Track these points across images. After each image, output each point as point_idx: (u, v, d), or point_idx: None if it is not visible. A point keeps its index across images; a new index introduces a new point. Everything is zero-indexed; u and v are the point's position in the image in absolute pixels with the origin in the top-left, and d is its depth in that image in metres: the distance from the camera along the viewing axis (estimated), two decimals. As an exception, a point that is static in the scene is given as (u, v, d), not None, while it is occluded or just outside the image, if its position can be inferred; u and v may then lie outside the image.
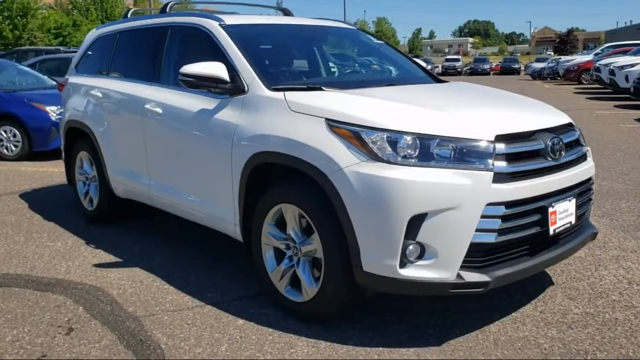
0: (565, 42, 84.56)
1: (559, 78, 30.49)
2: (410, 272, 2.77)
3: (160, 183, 4.27)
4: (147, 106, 4.20)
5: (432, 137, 2.81)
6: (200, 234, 4.59)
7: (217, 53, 3.80)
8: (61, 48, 18.72)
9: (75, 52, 18.62)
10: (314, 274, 3.17)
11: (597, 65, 19.74)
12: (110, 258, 4.38)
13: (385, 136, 2.82)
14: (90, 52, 5.47)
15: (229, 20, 4.01)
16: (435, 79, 4.36)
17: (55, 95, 9.15)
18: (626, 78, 16.31)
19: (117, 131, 4.69)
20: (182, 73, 3.55)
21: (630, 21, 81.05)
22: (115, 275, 4.01)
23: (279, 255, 3.35)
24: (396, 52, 4.59)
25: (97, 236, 4.91)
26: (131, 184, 4.65)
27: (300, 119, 3.12)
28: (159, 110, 4.10)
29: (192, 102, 3.84)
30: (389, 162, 2.77)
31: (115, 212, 5.24)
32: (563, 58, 33.49)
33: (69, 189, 6.58)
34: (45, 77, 10.37)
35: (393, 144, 2.81)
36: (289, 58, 4.27)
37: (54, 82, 10.13)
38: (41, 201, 6.18)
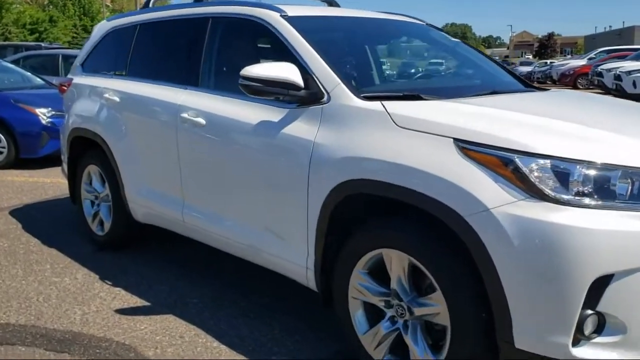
0: (545, 46, 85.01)
1: (549, 82, 30.19)
2: (586, 353, 2.04)
3: (199, 209, 3.48)
4: (185, 115, 3.41)
5: (614, 168, 2.08)
6: (241, 265, 3.79)
7: (281, 51, 3.03)
8: (42, 44, 17.64)
9: (58, 48, 17.62)
10: (427, 341, 2.42)
11: (598, 69, 19.34)
12: (134, 300, 3.57)
13: (551, 165, 2.08)
14: (100, 48, 4.63)
15: (291, 10, 3.24)
16: (528, 84, 3.64)
17: (46, 95, 8.29)
18: (634, 83, 15.91)
19: (141, 144, 3.88)
20: (245, 76, 2.78)
21: (610, 26, 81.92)
22: (147, 326, 3.21)
23: (373, 313, 2.59)
24: (474, 52, 3.86)
25: (111, 268, 4.09)
26: (157, 208, 3.84)
27: (415, 138, 2.37)
28: (200, 120, 3.30)
29: (248, 112, 3.06)
30: (558, 201, 2.04)
31: (130, 239, 4.42)
32: (557, 62, 33.20)
33: (67, 205, 5.74)
34: (32, 75, 9.43)
35: (563, 176, 2.07)
36: (366, 58, 3.51)
37: (42, 81, 9.22)
38: (36, 220, 5.32)
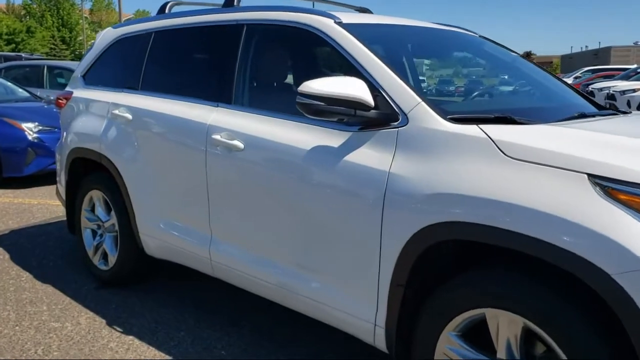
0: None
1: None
2: None
3: (231, 248, 2.97)
4: (217, 137, 2.91)
5: None
6: (275, 305, 3.28)
7: (338, 64, 2.60)
8: (22, 55, 16.92)
9: (39, 59, 16.85)
10: None
11: (589, 89, 19.28)
12: (152, 353, 3.04)
13: None
14: (106, 58, 4.11)
15: (345, 17, 2.78)
16: (596, 104, 3.22)
17: (32, 109, 7.73)
18: (628, 103, 15.81)
19: (158, 168, 3.36)
20: (305, 93, 2.30)
21: (586, 46, 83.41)
22: (173, 390, 2.68)
23: (467, 383, 2.11)
24: (534, 67, 3.43)
25: (118, 310, 3.55)
26: (176, 242, 3.32)
27: (532, 172, 1.92)
28: (237, 144, 2.81)
29: (299, 135, 2.59)
30: None
31: (139, 275, 3.88)
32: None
33: (60, 230, 5.20)
34: (16, 87, 8.81)
35: None
36: (436, 73, 3.05)
37: (27, 94, 8.62)
38: (25, 249, 4.73)
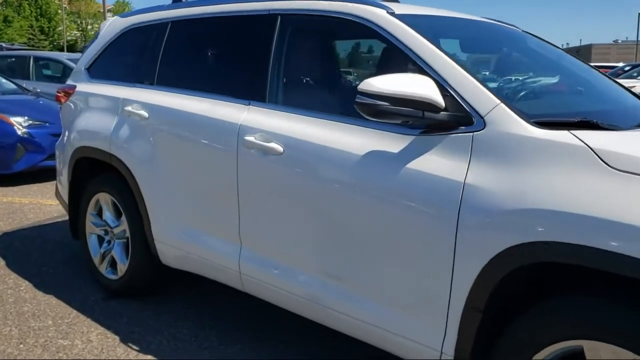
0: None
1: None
2: None
3: (266, 261, 2.69)
4: (250, 139, 2.63)
5: None
6: (296, 317, 3.02)
7: (396, 61, 2.31)
8: (3, 44, 16.30)
9: (20, 49, 16.25)
10: None
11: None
12: (176, 376, 2.75)
13: None
14: (114, 50, 3.79)
15: (397, 8, 2.51)
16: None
17: (21, 102, 7.34)
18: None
19: (179, 171, 3.07)
20: (366, 92, 2.04)
21: (567, 44, 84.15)
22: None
23: None
24: (581, 64, 3.19)
25: (130, 324, 3.26)
26: (197, 252, 3.04)
27: (644, 187, 1.67)
28: (275, 147, 2.53)
29: (350, 138, 2.32)
30: None
31: (151, 285, 3.58)
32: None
33: (57, 232, 4.88)
34: (2, 78, 8.39)
35: None
36: (500, 69, 2.79)
37: (14, 86, 8.21)
38: (21, 254, 4.40)
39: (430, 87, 2.04)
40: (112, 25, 3.88)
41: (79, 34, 64.98)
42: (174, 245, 3.17)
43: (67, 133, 3.90)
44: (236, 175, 2.72)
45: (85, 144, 3.64)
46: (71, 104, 3.91)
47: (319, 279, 2.47)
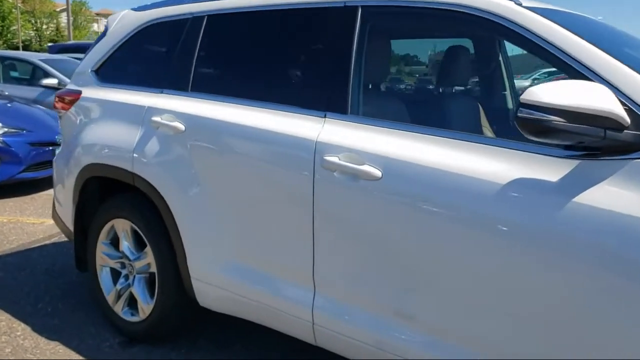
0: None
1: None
2: None
3: (351, 309, 2.18)
4: (332, 159, 2.13)
5: None
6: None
7: (539, 64, 1.81)
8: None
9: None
10: None
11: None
12: None
13: None
14: (131, 50, 3.21)
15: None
16: None
17: (-6, 107, 6.60)
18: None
19: (226, 195, 2.54)
20: (532, 104, 1.56)
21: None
22: None
23: None
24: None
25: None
26: (252, 295, 2.51)
27: None
28: (371, 171, 2.03)
29: (479, 160, 1.86)
30: None
31: (181, 330, 3.02)
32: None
33: (45, 259, 4.25)
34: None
35: None
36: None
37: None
38: (9, 287, 3.76)
39: (611, 99, 1.58)
40: (124, 21, 3.30)
41: (33, 34, 62.72)
42: (218, 284, 2.63)
43: (71, 147, 3.30)
44: (311, 204, 2.20)
45: (97, 160, 3.06)
46: (75, 113, 3.32)
47: (429, 336, 1.97)
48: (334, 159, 2.13)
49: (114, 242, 3.14)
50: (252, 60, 2.68)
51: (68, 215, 3.36)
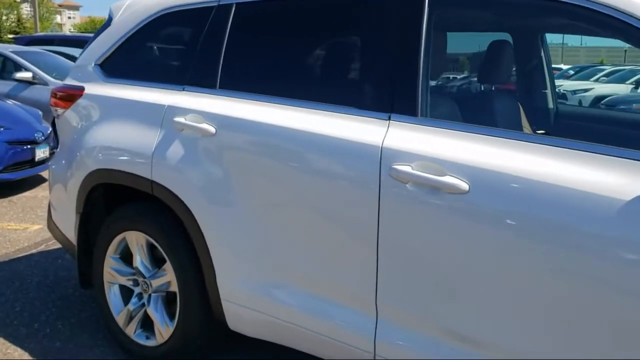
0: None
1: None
2: None
3: (425, 339, 1.91)
4: (403, 168, 1.86)
5: None
6: None
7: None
8: None
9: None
10: None
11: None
12: None
13: None
14: (143, 41, 2.88)
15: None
16: None
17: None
18: (580, 102, 15.99)
19: (266, 206, 2.25)
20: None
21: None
22: None
23: None
24: None
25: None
26: (297, 320, 2.23)
27: None
28: (456, 183, 1.76)
29: (590, 171, 1.59)
30: None
31: (202, 354, 2.72)
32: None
33: (33, 270, 3.90)
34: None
35: None
36: None
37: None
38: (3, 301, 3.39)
39: None
40: (132, 10, 2.95)
41: (-8, 25, 60.63)
42: (254, 306, 2.34)
43: (73, 150, 2.95)
44: (376, 219, 1.92)
45: (107, 166, 2.72)
46: (77, 112, 2.97)
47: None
48: (405, 168, 1.86)
49: (125, 256, 2.81)
50: (296, 54, 2.37)
51: (68, 225, 3.01)
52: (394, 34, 2.03)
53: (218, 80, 2.48)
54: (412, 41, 1.98)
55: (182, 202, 2.44)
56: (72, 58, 10.02)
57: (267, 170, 2.22)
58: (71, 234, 3.01)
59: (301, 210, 2.15)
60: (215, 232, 2.38)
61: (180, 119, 2.47)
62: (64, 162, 3.04)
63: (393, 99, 1.99)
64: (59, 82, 8.50)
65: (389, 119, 1.98)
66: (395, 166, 1.88)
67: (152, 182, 2.53)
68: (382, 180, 1.91)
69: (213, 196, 2.37)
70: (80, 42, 13.39)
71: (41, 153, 6.16)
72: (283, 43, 2.41)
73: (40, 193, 6.06)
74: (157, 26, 2.81)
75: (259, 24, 2.47)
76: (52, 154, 6.40)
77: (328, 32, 2.34)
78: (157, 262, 2.68)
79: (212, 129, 2.36)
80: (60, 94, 3.05)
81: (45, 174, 6.66)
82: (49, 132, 6.42)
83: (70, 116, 3.02)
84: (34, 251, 4.33)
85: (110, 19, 3.08)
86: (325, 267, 2.12)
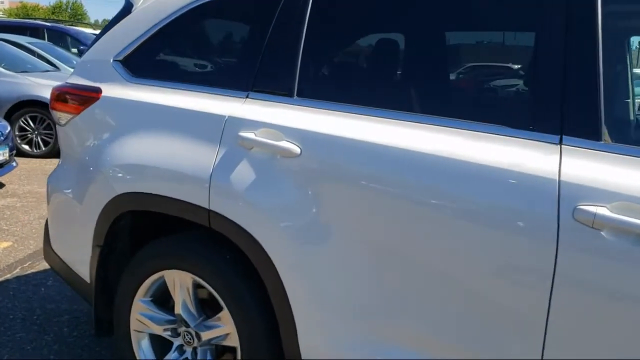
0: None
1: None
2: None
3: None
4: (591, 209, 1.44)
5: None
6: None
7: None
8: None
9: None
10: None
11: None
12: None
13: None
14: (178, 35, 2.33)
15: None
16: None
17: None
18: None
19: (377, 250, 1.77)
20: None
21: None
22: None
23: None
24: None
25: None
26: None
27: None
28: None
29: None
30: None
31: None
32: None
33: (10, 299, 3.26)
34: None
35: None
36: None
37: None
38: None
39: None
40: (164, -6, 2.39)
41: None
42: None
43: (86, 166, 2.38)
44: (552, 269, 1.50)
45: (141, 189, 2.17)
46: (93, 119, 2.39)
47: None
48: (599, 210, 1.43)
49: (159, 300, 2.28)
50: (421, 51, 1.90)
51: (79, 259, 2.45)
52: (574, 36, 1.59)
53: (295, 86, 1.98)
54: (589, 47, 1.55)
55: (252, 239, 1.94)
56: (18, 46, 9.13)
57: (378, 204, 1.75)
58: (83, 269, 2.44)
59: (427, 253, 1.69)
60: (299, 277, 1.89)
61: (248, 134, 1.95)
62: (72, 180, 2.46)
63: (566, 117, 1.55)
64: (8, 72, 7.69)
65: (560, 142, 1.55)
66: (581, 206, 1.45)
67: (210, 211, 2.01)
68: (562, 223, 1.48)
69: (297, 233, 1.88)
70: (15, 29, 12.36)
71: (0, 156, 5.41)
72: (399, 32, 1.92)
73: (0, 202, 5.31)
74: (203, 14, 2.27)
75: (356, 7, 1.97)
76: (10, 155, 5.66)
77: (478, 17, 1.85)
78: (207, 308, 2.16)
79: (295, 149, 1.86)
80: (70, 95, 2.46)
81: (4, 179, 5.89)
82: (7, 130, 5.66)
83: (82, 124, 2.44)
84: (8, 276, 3.68)
85: (129, 4, 2.51)
86: (462, 326, 1.67)
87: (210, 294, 2.14)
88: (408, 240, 1.72)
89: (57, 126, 2.61)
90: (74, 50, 12.85)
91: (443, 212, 1.65)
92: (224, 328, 2.10)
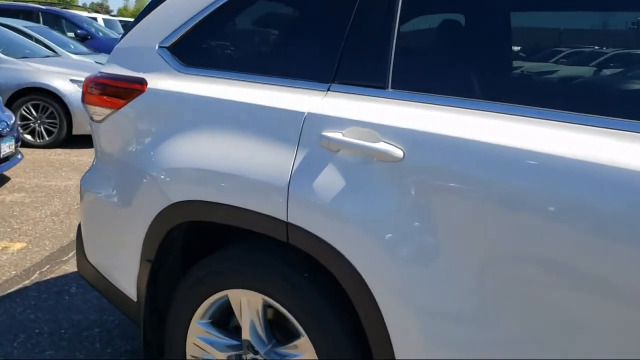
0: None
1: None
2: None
3: None
4: None
5: None
6: None
7: None
8: None
9: None
10: None
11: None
12: None
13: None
14: (240, 17, 2.02)
15: None
16: None
17: None
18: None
19: (506, 268, 1.48)
20: None
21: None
22: None
23: None
24: None
25: None
26: None
27: None
28: None
29: None
30: None
31: None
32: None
33: (29, 311, 3.00)
34: None
35: None
36: None
37: None
38: None
39: None
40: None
41: None
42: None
43: (130, 169, 2.08)
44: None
45: (202, 197, 1.88)
46: (138, 115, 2.09)
47: None
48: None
49: (217, 322, 2.00)
50: (550, 37, 1.61)
51: (123, 274, 2.17)
52: None
53: (390, 76, 1.68)
54: None
55: (342, 257, 1.65)
56: (15, 30, 8.73)
57: (508, 222, 1.46)
58: (127, 286, 2.16)
59: (576, 277, 1.41)
60: (401, 305, 1.61)
61: (333, 134, 1.66)
62: (112, 184, 2.17)
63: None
64: (7, 58, 7.30)
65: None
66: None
67: (288, 224, 1.72)
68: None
69: (400, 252, 1.59)
70: (7, 11, 11.92)
71: (6, 148, 5.08)
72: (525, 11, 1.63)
73: (7, 197, 4.99)
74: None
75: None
76: (16, 147, 5.33)
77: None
78: (287, 335, 1.89)
79: (398, 152, 1.57)
80: (109, 87, 2.15)
81: (9, 173, 5.57)
82: (12, 121, 5.33)
83: (124, 120, 2.14)
84: (27, 283, 3.39)
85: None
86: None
87: (276, 314, 1.87)
88: (539, 263, 1.43)
89: (92, 123, 2.30)
90: (70, 34, 12.42)
91: (579, 224, 1.37)
92: (305, 355, 1.82)
